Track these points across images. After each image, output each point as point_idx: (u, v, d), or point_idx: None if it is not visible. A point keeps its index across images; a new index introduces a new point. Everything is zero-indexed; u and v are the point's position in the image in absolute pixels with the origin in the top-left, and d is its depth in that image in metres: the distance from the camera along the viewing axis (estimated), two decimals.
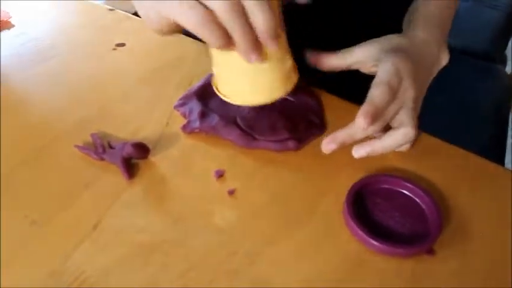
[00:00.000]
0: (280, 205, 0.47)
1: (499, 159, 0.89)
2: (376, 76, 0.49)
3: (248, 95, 0.48)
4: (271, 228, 0.45)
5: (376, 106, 0.47)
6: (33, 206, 0.46)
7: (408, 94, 0.50)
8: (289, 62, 0.49)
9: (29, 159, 0.50)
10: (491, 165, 0.52)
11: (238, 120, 0.53)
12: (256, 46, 0.43)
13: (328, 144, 0.48)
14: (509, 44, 1.13)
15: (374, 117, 0.46)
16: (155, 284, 0.41)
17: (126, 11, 0.75)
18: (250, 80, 0.47)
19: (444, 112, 0.89)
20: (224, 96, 0.50)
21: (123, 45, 0.66)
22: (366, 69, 0.54)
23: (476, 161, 0.52)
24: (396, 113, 0.49)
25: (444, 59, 0.57)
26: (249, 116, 0.53)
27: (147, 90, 0.59)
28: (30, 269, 0.41)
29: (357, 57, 0.54)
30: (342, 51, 0.54)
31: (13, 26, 0.70)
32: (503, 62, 1.10)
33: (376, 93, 0.47)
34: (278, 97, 0.48)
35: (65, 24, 0.72)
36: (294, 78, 0.50)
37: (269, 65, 0.46)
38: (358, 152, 0.49)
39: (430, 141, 0.54)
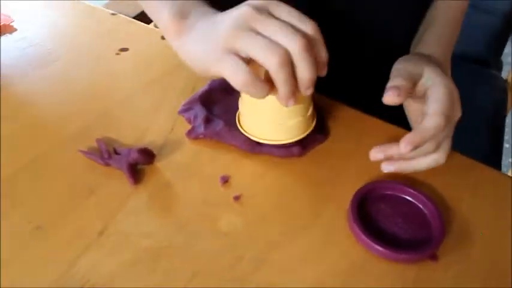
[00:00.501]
0: (285, 211, 0.47)
1: (496, 164, 0.90)
2: (430, 100, 0.48)
3: (273, 134, 0.51)
4: (276, 233, 0.45)
5: (424, 137, 0.46)
6: (38, 212, 0.46)
7: (457, 118, 0.49)
8: (311, 109, 0.52)
9: (34, 164, 0.51)
10: (492, 172, 0.52)
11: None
12: (295, 93, 0.45)
13: (377, 153, 0.48)
14: (505, 49, 1.14)
15: (416, 146, 0.46)
16: None
17: (126, 15, 0.75)
18: (278, 121, 0.50)
19: None
20: (250, 134, 0.52)
21: (126, 50, 0.66)
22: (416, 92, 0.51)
23: (477, 167, 0.53)
24: (447, 136, 0.50)
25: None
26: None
27: (152, 95, 0.59)
28: (35, 275, 0.42)
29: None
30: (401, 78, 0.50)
31: (15, 30, 0.70)
32: (499, 67, 1.11)
33: (430, 124, 0.46)
34: (298, 138, 0.52)
35: (67, 29, 0.72)
36: (313, 123, 0.53)
37: (299, 108, 0.50)
38: (387, 168, 0.49)
39: None
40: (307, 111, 0.51)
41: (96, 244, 0.44)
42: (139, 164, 0.50)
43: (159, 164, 0.51)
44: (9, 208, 0.46)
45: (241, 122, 0.53)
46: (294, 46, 0.42)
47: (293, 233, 0.45)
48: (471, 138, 0.89)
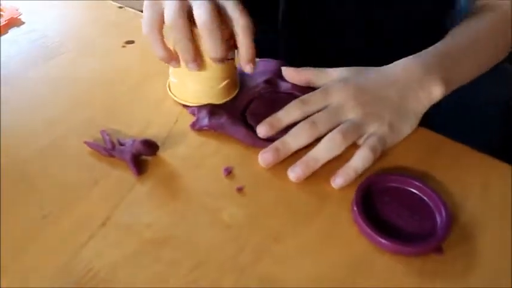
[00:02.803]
0: (288, 202, 0.47)
1: (506, 158, 0.89)
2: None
3: (204, 97, 0.56)
4: (279, 225, 0.45)
5: (278, 118, 0.51)
6: (43, 202, 0.47)
7: (350, 114, 0.51)
8: (227, 81, 0.55)
9: (39, 155, 0.51)
10: (501, 165, 0.51)
11: (248, 117, 0.53)
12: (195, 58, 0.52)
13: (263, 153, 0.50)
14: None
15: (270, 127, 0.51)
16: (163, 280, 0.41)
17: (133, 8, 0.75)
18: (209, 83, 0.55)
19: (450, 111, 0.89)
20: (175, 97, 0.57)
21: (132, 42, 0.67)
22: None
23: (485, 160, 0.52)
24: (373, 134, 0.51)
25: (435, 90, 0.54)
26: (258, 112, 0.54)
27: (156, 87, 0.59)
28: (40, 263, 0.42)
29: (330, 79, 0.56)
30: (318, 69, 0.57)
31: (23, 23, 0.70)
32: (511, 60, 1.10)
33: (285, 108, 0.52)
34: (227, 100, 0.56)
35: (74, 22, 0.72)
36: (238, 87, 0.58)
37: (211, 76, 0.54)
38: (336, 183, 0.48)
39: (439, 139, 0.54)
40: (233, 75, 0.56)
41: (99, 234, 0.44)
42: (143, 155, 0.50)
43: (163, 155, 0.51)
44: (15, 198, 0.47)
45: (172, 89, 0.57)
46: (198, 20, 0.49)
47: (296, 225, 0.45)
48: (482, 132, 0.88)
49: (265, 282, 0.41)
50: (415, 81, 0.54)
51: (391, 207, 0.46)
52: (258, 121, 0.52)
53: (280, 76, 0.57)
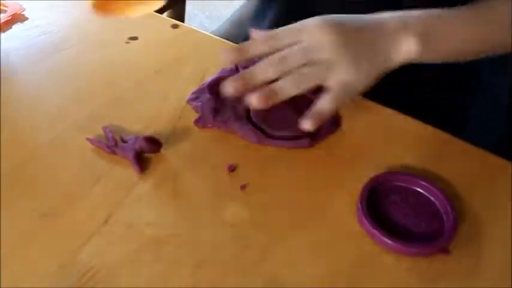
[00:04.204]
0: (292, 201, 0.46)
1: None
2: None
3: None
4: (283, 224, 0.45)
5: (245, 48, 0.49)
6: (44, 199, 0.46)
7: (325, 54, 0.47)
8: None
9: (41, 151, 0.50)
10: (507, 164, 0.51)
11: (252, 115, 0.52)
12: None
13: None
14: None
15: (237, 53, 0.48)
16: (165, 279, 0.40)
17: None
18: None
19: (459, 108, 0.88)
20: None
21: (135, 38, 0.66)
22: None
23: (491, 160, 0.51)
24: (302, 63, 0.48)
25: (409, 46, 0.50)
26: (262, 110, 0.53)
27: (160, 83, 0.59)
28: (41, 262, 0.41)
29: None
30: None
31: (26, 18, 0.70)
32: None
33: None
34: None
35: (78, 18, 0.71)
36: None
37: None
38: (304, 126, 0.47)
39: (446, 139, 0.53)
40: None
41: (101, 232, 0.43)
42: (146, 152, 0.49)
43: (166, 152, 0.50)
44: (16, 195, 0.46)
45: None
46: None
47: (300, 224, 0.45)
48: (489, 130, 0.87)
49: (269, 282, 0.41)
50: (390, 33, 0.50)
51: (397, 207, 0.45)
52: (263, 119, 0.52)
53: None
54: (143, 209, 0.45)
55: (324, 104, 0.47)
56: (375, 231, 0.43)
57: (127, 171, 0.48)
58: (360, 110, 0.55)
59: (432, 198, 0.46)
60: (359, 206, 0.44)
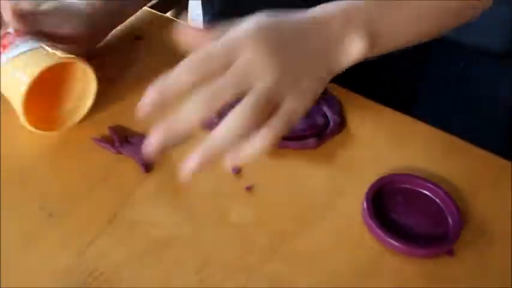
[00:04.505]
0: (297, 202, 0.46)
1: None
2: None
3: None
4: (288, 225, 0.45)
5: (166, 85, 0.40)
6: (49, 199, 0.46)
7: (263, 76, 0.39)
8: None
9: (47, 151, 0.50)
10: (509, 165, 0.51)
11: None
12: None
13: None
14: None
15: (153, 99, 0.40)
16: (169, 280, 0.41)
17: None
18: None
19: (463, 111, 0.88)
20: None
21: (140, 38, 0.66)
22: None
23: (496, 162, 0.51)
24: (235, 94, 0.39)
25: (354, 45, 0.44)
26: None
27: None
28: (45, 262, 0.41)
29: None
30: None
31: None
32: None
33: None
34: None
35: None
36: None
37: None
38: (226, 165, 0.40)
39: (451, 141, 0.53)
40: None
41: (105, 232, 0.43)
42: None
43: (171, 153, 0.50)
44: (21, 195, 0.46)
45: None
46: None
47: (305, 225, 0.45)
48: (491, 132, 0.87)
49: (273, 283, 0.41)
50: (335, 34, 0.44)
51: (402, 208, 0.46)
52: None
53: None
54: (148, 209, 0.45)
55: (257, 142, 0.39)
56: (381, 233, 0.43)
57: (132, 171, 0.48)
58: (366, 111, 0.55)
59: (437, 200, 0.46)
60: (365, 207, 0.44)
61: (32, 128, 0.49)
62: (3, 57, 0.50)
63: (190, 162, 0.40)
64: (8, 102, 0.50)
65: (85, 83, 0.53)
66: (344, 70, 0.49)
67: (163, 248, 0.42)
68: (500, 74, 1.02)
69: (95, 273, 0.41)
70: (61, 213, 0.45)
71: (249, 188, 0.47)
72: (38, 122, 0.50)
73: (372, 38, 0.45)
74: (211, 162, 0.40)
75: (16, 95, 0.48)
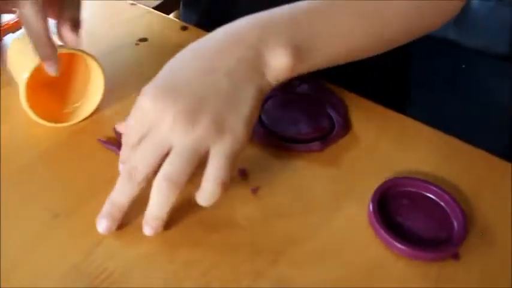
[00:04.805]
0: (303, 205, 0.47)
1: None
2: None
3: None
4: (293, 227, 0.45)
5: (115, 203, 0.42)
6: (56, 200, 0.46)
7: (173, 138, 0.39)
8: None
9: (53, 152, 0.51)
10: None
11: (263, 117, 0.53)
12: None
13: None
14: None
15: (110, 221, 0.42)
16: (177, 281, 0.41)
17: (146, 5, 0.75)
18: None
19: (464, 114, 0.88)
20: None
21: (145, 40, 0.66)
22: None
23: (500, 164, 0.51)
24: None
25: (277, 61, 0.42)
26: (272, 112, 0.53)
27: None
28: (52, 263, 0.41)
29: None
30: None
31: None
32: None
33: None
34: None
35: (86, 19, 0.71)
36: None
37: None
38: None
39: (455, 144, 0.53)
40: None
41: (113, 234, 0.43)
42: None
43: None
44: (27, 196, 0.46)
45: None
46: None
47: (311, 228, 0.45)
48: (494, 135, 0.87)
49: (280, 284, 0.41)
50: (250, 49, 0.41)
51: (407, 212, 0.46)
52: (274, 122, 0.52)
53: (296, 77, 0.57)
54: None
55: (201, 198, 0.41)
56: (387, 236, 0.43)
57: None
58: (371, 114, 0.56)
59: (442, 203, 0.46)
60: (370, 210, 0.45)
61: (35, 117, 0.50)
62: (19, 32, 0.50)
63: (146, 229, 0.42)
64: (10, 101, 0.51)
65: (93, 79, 0.54)
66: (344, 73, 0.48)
67: (172, 249, 0.43)
68: (502, 75, 1.03)
69: (103, 274, 0.41)
70: (67, 214, 0.45)
71: (254, 190, 0.47)
72: (44, 115, 0.51)
73: (297, 52, 0.42)
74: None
75: (21, 75, 0.49)
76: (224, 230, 0.44)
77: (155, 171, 0.40)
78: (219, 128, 0.39)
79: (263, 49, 0.41)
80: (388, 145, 0.52)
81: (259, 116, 0.53)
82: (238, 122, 0.40)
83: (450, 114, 0.72)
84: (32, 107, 0.50)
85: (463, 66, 0.94)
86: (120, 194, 0.42)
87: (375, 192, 0.46)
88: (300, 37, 0.42)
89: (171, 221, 0.45)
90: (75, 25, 0.50)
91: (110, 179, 0.47)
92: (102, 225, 0.42)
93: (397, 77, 0.79)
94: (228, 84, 0.40)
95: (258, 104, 0.41)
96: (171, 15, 0.76)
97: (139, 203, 0.46)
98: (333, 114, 0.54)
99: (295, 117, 0.53)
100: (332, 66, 0.46)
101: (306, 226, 0.45)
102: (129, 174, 0.40)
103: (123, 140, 0.43)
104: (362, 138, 0.53)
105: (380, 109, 0.56)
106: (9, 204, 0.45)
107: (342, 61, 0.46)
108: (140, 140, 0.40)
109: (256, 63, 0.41)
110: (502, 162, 0.52)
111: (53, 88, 0.55)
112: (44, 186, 0.47)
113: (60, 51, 0.49)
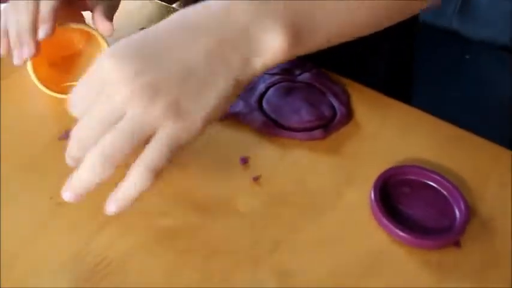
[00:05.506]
0: (305, 193, 0.47)
1: None
2: None
3: None
4: (295, 216, 0.45)
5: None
6: (58, 188, 0.46)
7: (127, 110, 0.35)
8: None
9: (55, 140, 0.51)
10: None
11: (264, 105, 0.52)
12: None
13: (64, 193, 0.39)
14: None
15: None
16: (177, 269, 0.41)
17: None
18: None
19: (466, 104, 0.88)
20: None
21: None
22: None
23: (503, 153, 0.51)
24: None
25: (272, 40, 0.36)
26: (273, 100, 0.53)
27: None
28: (53, 251, 0.42)
29: None
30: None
31: None
32: None
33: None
34: None
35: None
36: None
37: None
38: (109, 211, 0.38)
39: (458, 132, 0.53)
40: None
41: (113, 222, 0.43)
42: None
43: None
44: (29, 185, 0.47)
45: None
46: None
47: (313, 216, 0.45)
48: (497, 125, 0.87)
49: (280, 273, 0.41)
50: (238, 29, 0.36)
51: (409, 200, 0.46)
52: (275, 110, 0.52)
53: (297, 66, 0.57)
54: (155, 199, 0.45)
55: (131, 186, 0.37)
56: (388, 224, 0.43)
57: None
58: (373, 102, 0.55)
59: (444, 192, 0.46)
60: (372, 198, 0.44)
61: (43, 87, 0.51)
62: None
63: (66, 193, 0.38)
64: (12, 92, 0.51)
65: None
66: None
67: (171, 237, 0.43)
68: (505, 66, 1.02)
69: (104, 262, 0.41)
70: (68, 203, 0.45)
71: (256, 179, 0.47)
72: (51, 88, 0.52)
73: (295, 30, 0.37)
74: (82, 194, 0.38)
75: None
76: (224, 219, 0.44)
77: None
78: (175, 112, 0.35)
79: (255, 28, 0.36)
80: (390, 133, 0.52)
81: (261, 104, 0.53)
82: (198, 111, 0.36)
83: (453, 104, 0.71)
84: (40, 78, 0.51)
85: (467, 56, 0.93)
86: (68, 159, 0.39)
87: (377, 180, 0.46)
88: (301, 19, 0.37)
89: (170, 209, 0.45)
90: (108, 14, 0.50)
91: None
92: (67, 196, 0.39)
93: (400, 67, 0.78)
94: (203, 67, 0.35)
95: (231, 95, 0.37)
96: (175, 5, 0.76)
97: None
98: (334, 102, 0.53)
99: (297, 105, 0.52)
100: (331, 48, 0.42)
101: (307, 214, 0.45)
102: (77, 143, 0.37)
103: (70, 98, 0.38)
104: (364, 127, 0.53)
105: (382, 98, 0.56)
106: (12, 193, 0.45)
107: (340, 41, 0.42)
108: (90, 104, 0.36)
109: (242, 47, 0.36)
110: (505, 150, 0.51)
111: (63, 64, 0.55)
112: (46, 174, 0.48)
113: (71, 26, 0.50)
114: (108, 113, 0.35)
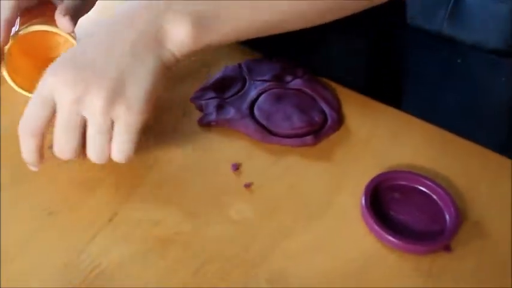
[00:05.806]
0: (296, 199, 0.47)
1: None
2: None
3: None
4: (287, 221, 0.45)
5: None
6: (50, 198, 0.46)
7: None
8: None
9: (48, 150, 0.50)
10: (510, 163, 0.51)
11: (256, 112, 0.53)
12: None
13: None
14: None
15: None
16: (170, 276, 0.41)
17: None
18: None
19: (457, 109, 0.88)
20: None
21: None
22: None
23: (494, 159, 0.51)
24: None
25: (176, 30, 0.42)
26: (264, 107, 0.53)
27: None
28: (46, 260, 0.42)
29: None
30: None
31: None
32: None
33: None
34: None
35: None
36: None
37: None
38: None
39: (449, 138, 0.53)
40: None
41: (106, 230, 0.44)
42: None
43: (171, 151, 0.51)
44: (20, 194, 0.47)
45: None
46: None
47: (304, 222, 0.45)
48: (489, 130, 0.87)
49: (273, 278, 0.41)
50: (149, 24, 0.42)
51: (400, 205, 0.46)
52: (267, 117, 0.52)
53: (289, 72, 0.57)
54: (148, 207, 0.46)
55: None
56: (379, 229, 0.43)
57: (133, 169, 0.48)
58: (364, 108, 0.56)
59: (434, 197, 0.46)
60: (363, 204, 0.45)
61: (13, 84, 0.52)
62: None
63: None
64: (7, 98, 0.51)
65: None
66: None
67: (164, 245, 0.43)
68: (497, 70, 1.02)
69: (96, 271, 0.41)
70: (61, 212, 0.45)
71: (247, 185, 0.47)
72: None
73: (198, 18, 0.42)
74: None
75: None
76: (217, 226, 0.44)
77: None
78: (118, 98, 0.41)
79: (164, 19, 0.42)
80: (381, 139, 0.52)
81: (252, 111, 0.53)
82: (136, 93, 0.41)
83: (445, 108, 0.72)
84: (14, 78, 0.52)
85: (459, 60, 0.94)
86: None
87: (368, 186, 0.46)
88: (203, 7, 0.43)
89: (163, 216, 0.45)
90: (72, 12, 0.51)
91: (104, 177, 0.48)
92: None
93: (391, 71, 0.78)
94: (131, 57, 0.42)
95: (160, 76, 0.43)
96: None
97: (132, 200, 0.46)
98: (325, 108, 0.54)
99: (288, 112, 0.53)
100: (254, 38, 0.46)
101: (298, 220, 0.45)
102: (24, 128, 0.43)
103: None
104: (355, 132, 0.53)
105: (373, 103, 0.56)
106: (4, 202, 0.45)
107: (256, 33, 0.47)
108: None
109: (157, 35, 0.42)
110: (496, 155, 0.52)
111: (38, 62, 0.54)
112: (38, 183, 0.48)
113: (40, 28, 0.50)
114: (65, 120, 0.42)
